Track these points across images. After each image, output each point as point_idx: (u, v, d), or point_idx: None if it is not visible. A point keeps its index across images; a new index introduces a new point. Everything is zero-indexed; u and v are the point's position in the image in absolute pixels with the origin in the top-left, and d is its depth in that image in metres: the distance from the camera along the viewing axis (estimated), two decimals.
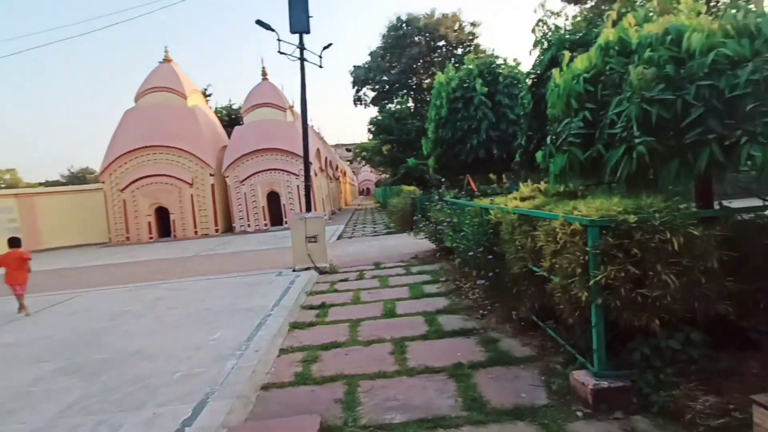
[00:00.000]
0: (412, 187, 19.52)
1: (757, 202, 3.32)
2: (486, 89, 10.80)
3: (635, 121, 3.03)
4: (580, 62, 3.76)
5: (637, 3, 5.05)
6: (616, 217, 2.78)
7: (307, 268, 8.69)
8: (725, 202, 3.51)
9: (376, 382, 3.60)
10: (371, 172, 67.34)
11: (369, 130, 33.10)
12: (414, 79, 35.14)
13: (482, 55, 16.07)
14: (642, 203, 2.89)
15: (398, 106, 32.22)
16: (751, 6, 3.12)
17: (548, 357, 3.68)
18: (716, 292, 2.77)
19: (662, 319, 2.79)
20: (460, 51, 33.20)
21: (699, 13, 3.62)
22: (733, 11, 3.16)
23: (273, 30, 10.38)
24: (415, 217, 10.10)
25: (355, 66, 36.35)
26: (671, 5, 4.12)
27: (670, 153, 3.01)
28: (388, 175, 37.61)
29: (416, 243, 10.37)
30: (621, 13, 4.37)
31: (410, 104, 34.78)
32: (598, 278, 2.79)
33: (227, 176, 21.80)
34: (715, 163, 2.84)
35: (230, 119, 31.05)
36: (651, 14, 4.06)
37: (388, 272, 8.06)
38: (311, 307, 6.10)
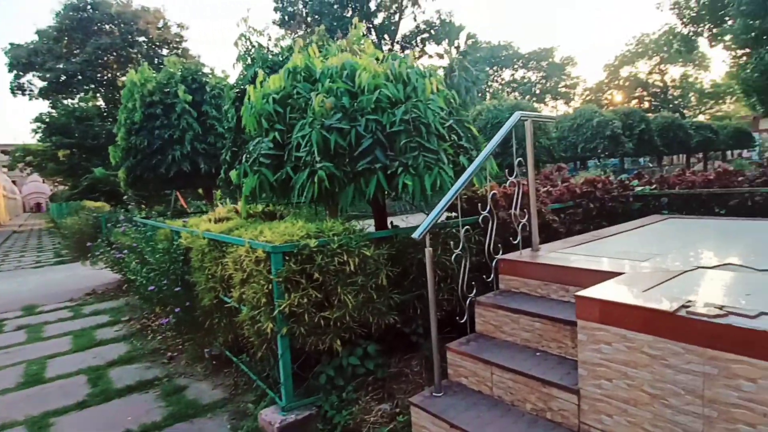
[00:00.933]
0: (99, 203, 16.02)
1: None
2: (191, 97, 9.81)
3: (316, 146, 3.09)
4: (272, 83, 3.68)
5: (336, 42, 5.49)
6: (298, 243, 2.70)
7: None
8: (403, 217, 4.03)
9: None
10: (44, 182, 52.37)
11: (37, 129, 25.64)
12: (107, 74, 29.50)
13: (189, 61, 14.84)
14: (324, 226, 2.94)
15: (81, 104, 26.24)
16: (405, 59, 3.73)
17: (241, 396, 3.33)
18: (386, 304, 3.06)
19: (343, 339, 2.88)
20: (165, 51, 29.96)
21: (375, 57, 4.12)
22: (392, 60, 3.70)
23: None
24: (89, 244, 8.00)
25: (12, 44, 27.62)
26: (358, 47, 4.59)
27: (347, 178, 3.21)
28: (68, 188, 29.95)
29: (98, 274, 8.32)
30: (308, 43, 4.59)
31: (100, 103, 28.98)
32: (282, 307, 2.63)
33: None
34: (382, 189, 3.19)
35: None
36: (342, 51, 4.40)
37: (45, 318, 6.05)
38: None
